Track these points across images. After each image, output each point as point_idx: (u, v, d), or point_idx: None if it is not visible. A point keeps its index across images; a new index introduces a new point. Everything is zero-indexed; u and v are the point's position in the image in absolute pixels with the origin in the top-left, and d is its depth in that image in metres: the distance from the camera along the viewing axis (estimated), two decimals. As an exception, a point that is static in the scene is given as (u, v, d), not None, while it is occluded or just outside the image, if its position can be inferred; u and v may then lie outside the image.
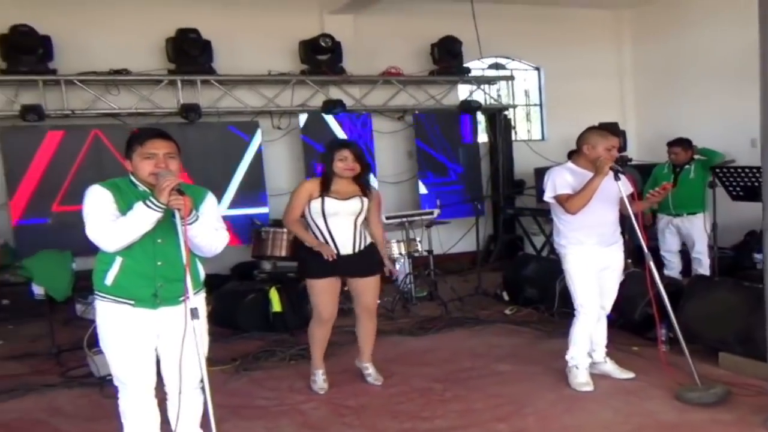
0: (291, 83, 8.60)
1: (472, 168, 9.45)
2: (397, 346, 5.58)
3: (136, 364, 3.16)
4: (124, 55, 7.94)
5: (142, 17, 8.14)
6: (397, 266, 7.03)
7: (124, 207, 3.01)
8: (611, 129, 4.42)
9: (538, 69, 10.43)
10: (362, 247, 4.48)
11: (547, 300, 6.13)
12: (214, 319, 6.08)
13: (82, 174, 7.34)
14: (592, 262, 4.35)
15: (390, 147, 9.27)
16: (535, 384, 4.52)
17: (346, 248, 4.41)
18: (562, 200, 4.27)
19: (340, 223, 4.38)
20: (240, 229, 7.85)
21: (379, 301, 6.56)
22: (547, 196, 4.39)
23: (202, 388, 3.19)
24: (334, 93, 8.85)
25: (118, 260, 3.08)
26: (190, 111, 7.84)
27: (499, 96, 9.85)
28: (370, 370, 4.71)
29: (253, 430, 4.00)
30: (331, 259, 4.28)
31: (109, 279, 3.09)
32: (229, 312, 6.13)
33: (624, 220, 4.53)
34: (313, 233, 4.43)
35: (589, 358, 4.51)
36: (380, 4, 8.65)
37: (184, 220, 2.98)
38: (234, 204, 8.20)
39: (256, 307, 6.06)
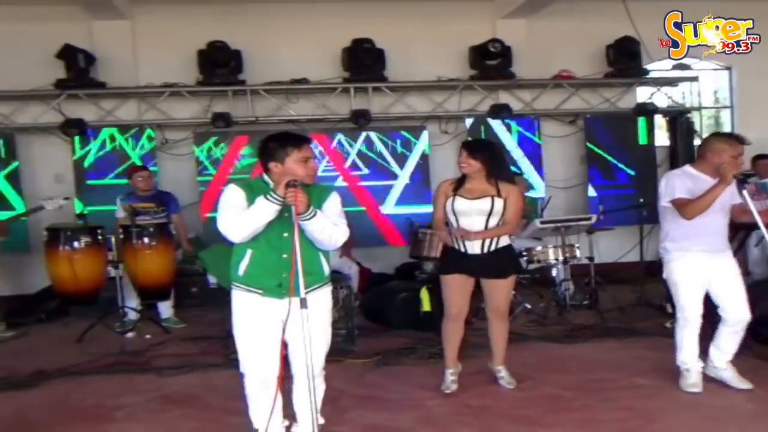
0: (459, 89, 8.74)
1: (647, 174, 8.99)
2: (539, 351, 5.52)
3: (259, 352, 3.40)
4: (304, 65, 8.54)
5: (322, 30, 8.67)
6: (553, 272, 6.91)
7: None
8: (738, 137, 4.23)
9: (729, 69, 9.69)
10: (493, 248, 4.50)
11: (709, 313, 5.73)
12: (367, 315, 6.49)
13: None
14: (697, 269, 4.25)
15: (560, 151, 9.11)
16: (671, 401, 4.29)
17: (473, 248, 4.47)
18: (679, 204, 4.15)
19: (469, 222, 4.44)
20: (404, 229, 8.16)
21: (529, 306, 6.60)
22: (665, 201, 4.28)
23: (309, 378, 3.36)
24: (504, 97, 8.85)
25: (249, 252, 3.40)
26: (359, 117, 8.26)
27: (683, 98, 9.30)
28: (502, 373, 4.72)
29: (375, 420, 4.18)
30: (458, 237, 4.42)
31: (242, 269, 3.43)
32: (381, 309, 6.40)
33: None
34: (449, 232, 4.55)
35: (701, 362, 4.43)
36: (553, 7, 8.56)
37: (297, 215, 3.20)
38: (399, 204, 8.54)
39: (407, 306, 6.25)
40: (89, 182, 8.14)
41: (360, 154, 8.56)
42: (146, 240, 6.25)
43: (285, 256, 3.36)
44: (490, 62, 8.68)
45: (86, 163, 8.16)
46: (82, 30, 8.28)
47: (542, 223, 6.60)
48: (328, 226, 3.39)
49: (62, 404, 4.57)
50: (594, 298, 6.84)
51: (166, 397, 4.71)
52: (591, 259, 7.01)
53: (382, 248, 8.60)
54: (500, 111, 8.48)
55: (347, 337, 5.71)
